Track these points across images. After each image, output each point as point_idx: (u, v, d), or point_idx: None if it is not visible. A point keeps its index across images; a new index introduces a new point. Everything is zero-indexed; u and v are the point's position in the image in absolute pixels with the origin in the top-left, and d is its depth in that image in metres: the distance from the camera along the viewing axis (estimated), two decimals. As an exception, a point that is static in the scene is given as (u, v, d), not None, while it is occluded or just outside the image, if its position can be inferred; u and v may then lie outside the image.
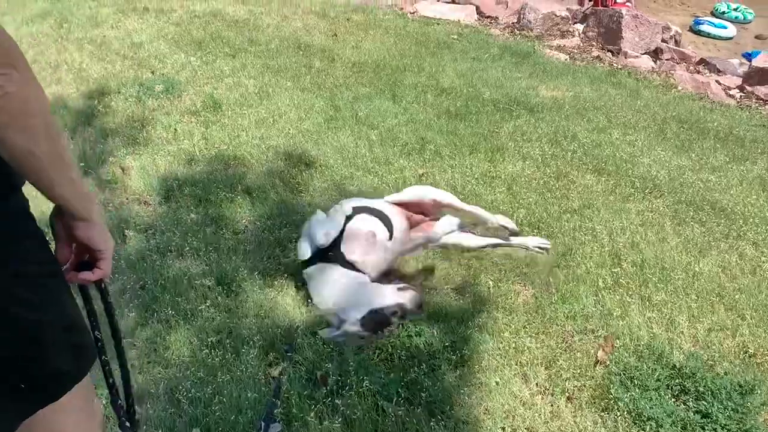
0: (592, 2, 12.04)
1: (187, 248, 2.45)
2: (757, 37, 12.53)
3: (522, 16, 5.90)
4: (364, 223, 2.27)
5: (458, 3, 6.39)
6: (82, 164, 3.05)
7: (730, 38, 12.39)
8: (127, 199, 2.82)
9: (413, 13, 6.09)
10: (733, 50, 11.98)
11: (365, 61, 4.47)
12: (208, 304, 2.17)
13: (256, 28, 5.00)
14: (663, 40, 6.04)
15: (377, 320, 2.07)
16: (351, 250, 2.20)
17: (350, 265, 2.19)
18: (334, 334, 2.07)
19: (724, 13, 13.23)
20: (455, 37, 5.41)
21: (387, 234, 2.29)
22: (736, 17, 13.14)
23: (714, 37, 12.36)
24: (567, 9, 6.22)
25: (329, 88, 3.97)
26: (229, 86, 3.88)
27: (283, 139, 3.31)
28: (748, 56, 11.77)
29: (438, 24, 5.80)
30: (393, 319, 2.09)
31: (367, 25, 5.41)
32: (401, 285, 2.16)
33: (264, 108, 3.63)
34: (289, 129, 3.41)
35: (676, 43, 6.31)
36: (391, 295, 2.10)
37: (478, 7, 6.31)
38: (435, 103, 3.86)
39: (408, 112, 3.69)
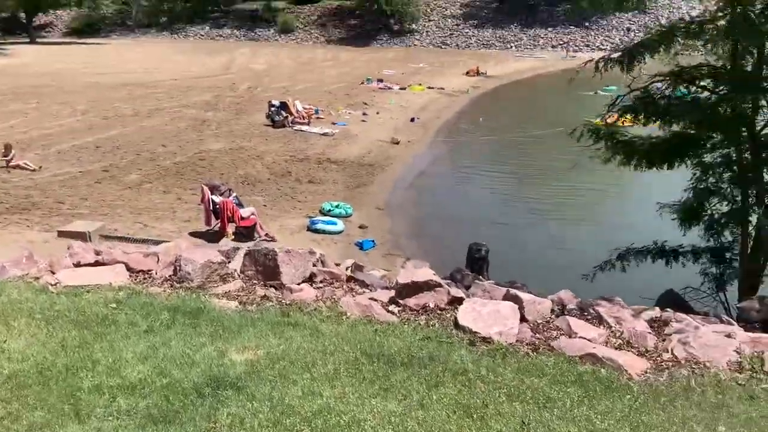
0: (219, 223, 12.68)
1: None
2: (360, 227, 14.73)
3: (178, 268, 5.80)
4: None
5: (104, 263, 5.98)
6: None
7: (341, 231, 14.28)
8: None
9: (55, 284, 5.45)
10: (346, 241, 13.79)
11: (23, 370, 3.74)
12: None
13: None
14: (313, 264, 6.57)
15: None
16: None
17: None
18: None
19: (330, 211, 15.28)
20: (115, 306, 4.98)
21: None
22: (340, 213, 15.28)
23: (329, 233, 14.08)
24: (219, 251, 6.37)
25: (-14, 428, 3.17)
26: None
27: None
28: (360, 244, 13.66)
29: (89, 292, 5.28)
30: None
31: (3, 313, 4.62)
32: None
33: None
34: None
35: (323, 264, 6.92)
36: None
37: (126, 264, 6.00)
38: (131, 408, 3.38)
39: (103, 432, 3.15)
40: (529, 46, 62.71)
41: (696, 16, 6.43)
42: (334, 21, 70.69)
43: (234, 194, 13.46)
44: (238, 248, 6.67)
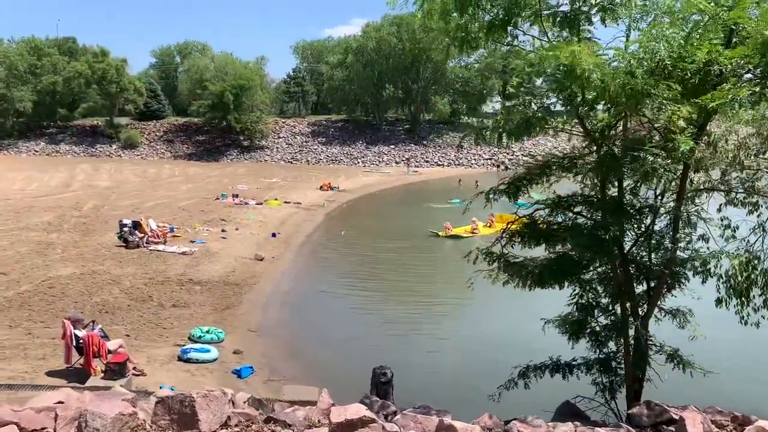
0: (82, 359, 11.55)
1: None
2: (235, 352, 14.12)
3: (84, 424, 5.21)
4: None
5: (-10, 426, 5.23)
6: None
7: (216, 359, 13.59)
8: None
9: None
10: (222, 369, 13.12)
11: None
12: None
13: None
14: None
15: None
16: None
17: None
18: None
19: (200, 337, 14.57)
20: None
21: None
22: (212, 338, 14.62)
23: (203, 362, 13.35)
24: (125, 400, 5.83)
25: None
26: None
27: None
28: (238, 372, 13.06)
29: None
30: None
31: None
32: None
33: None
34: None
35: (233, 404, 6.57)
36: None
37: (17, 424, 5.30)
38: None
39: None
40: (375, 162, 66.21)
41: (567, 153, 7.36)
42: (181, 137, 70.21)
43: (99, 326, 12.46)
44: (140, 394, 6.16)
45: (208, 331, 14.71)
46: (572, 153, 7.21)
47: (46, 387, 10.61)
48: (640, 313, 7.33)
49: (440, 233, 28.37)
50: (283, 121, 74.28)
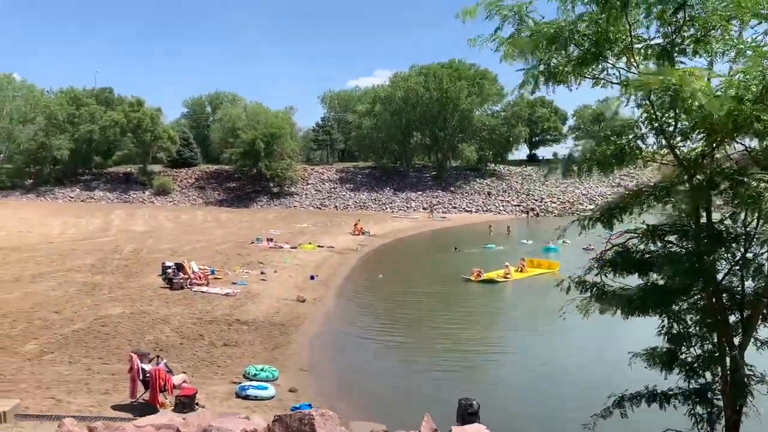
0: (147, 393, 11.55)
1: None
2: (290, 390, 14.07)
3: (209, 440, 5.27)
4: None
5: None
6: None
7: (273, 397, 13.56)
8: None
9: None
10: (280, 407, 13.04)
11: None
12: None
13: None
14: (334, 428, 6.23)
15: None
16: None
17: None
18: None
19: (255, 375, 14.57)
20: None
21: None
22: (267, 376, 14.62)
23: (260, 399, 13.33)
24: (244, 419, 5.88)
25: None
26: None
27: None
28: (298, 409, 12.97)
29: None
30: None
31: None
32: None
33: None
34: None
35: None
36: None
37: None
38: None
39: None
40: (402, 208, 66.60)
41: (657, 183, 7.43)
42: (212, 183, 71.45)
43: (164, 361, 12.51)
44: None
45: (262, 369, 14.73)
46: (661, 183, 7.28)
47: (117, 419, 10.64)
48: (735, 342, 7.24)
49: (472, 278, 28.57)
50: (312, 167, 75.37)
